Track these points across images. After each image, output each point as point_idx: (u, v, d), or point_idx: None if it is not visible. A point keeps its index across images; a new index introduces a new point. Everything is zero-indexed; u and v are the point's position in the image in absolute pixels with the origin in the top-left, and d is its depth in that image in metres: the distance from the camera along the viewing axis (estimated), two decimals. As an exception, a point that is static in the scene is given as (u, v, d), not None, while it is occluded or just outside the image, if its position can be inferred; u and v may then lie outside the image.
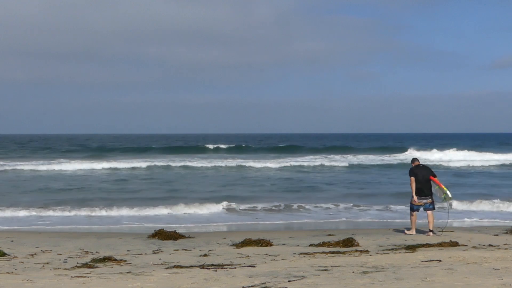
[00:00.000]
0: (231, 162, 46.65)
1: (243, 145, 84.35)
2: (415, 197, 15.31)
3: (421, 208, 15.50)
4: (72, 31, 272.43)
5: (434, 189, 15.52)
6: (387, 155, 58.54)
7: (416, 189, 15.33)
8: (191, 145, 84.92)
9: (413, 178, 15.34)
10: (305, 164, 45.99)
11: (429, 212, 15.46)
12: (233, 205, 22.21)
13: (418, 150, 62.57)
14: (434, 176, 15.55)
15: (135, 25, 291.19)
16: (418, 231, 15.70)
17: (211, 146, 77.14)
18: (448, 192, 15.38)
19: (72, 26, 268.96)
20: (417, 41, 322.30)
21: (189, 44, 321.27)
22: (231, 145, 79.99)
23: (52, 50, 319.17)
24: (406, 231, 15.73)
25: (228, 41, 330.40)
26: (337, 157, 55.07)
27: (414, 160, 16.05)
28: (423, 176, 15.37)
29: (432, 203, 15.49)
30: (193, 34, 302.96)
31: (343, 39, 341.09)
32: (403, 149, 66.23)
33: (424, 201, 15.39)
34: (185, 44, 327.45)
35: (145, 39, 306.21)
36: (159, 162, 46.51)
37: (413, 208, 15.48)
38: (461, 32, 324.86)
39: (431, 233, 15.27)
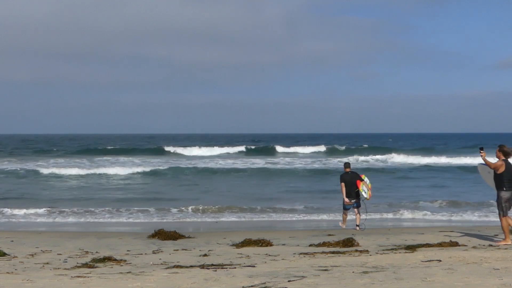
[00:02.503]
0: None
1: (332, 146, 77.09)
2: (346, 199, 17.66)
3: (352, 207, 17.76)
4: (74, 31, 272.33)
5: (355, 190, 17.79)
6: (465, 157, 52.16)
7: (346, 192, 17.65)
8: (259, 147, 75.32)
9: (343, 184, 17.69)
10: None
11: (356, 209, 17.68)
12: None
13: None
14: (361, 180, 17.68)
15: (137, 25, 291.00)
16: (347, 227, 17.55)
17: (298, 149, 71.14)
18: (363, 193, 17.51)
19: (74, 26, 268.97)
20: (421, 41, 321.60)
21: (192, 44, 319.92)
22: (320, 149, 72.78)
23: (54, 50, 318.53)
24: (340, 223, 17.86)
25: (231, 42, 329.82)
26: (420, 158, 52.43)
27: (346, 166, 18.05)
28: (350, 181, 17.66)
29: (358, 201, 17.73)
30: (196, 34, 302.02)
31: (347, 39, 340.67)
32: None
33: (353, 201, 17.71)
34: (188, 44, 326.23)
35: (148, 39, 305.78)
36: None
37: (345, 208, 17.83)
38: (465, 33, 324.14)
39: (357, 227, 17.31)
